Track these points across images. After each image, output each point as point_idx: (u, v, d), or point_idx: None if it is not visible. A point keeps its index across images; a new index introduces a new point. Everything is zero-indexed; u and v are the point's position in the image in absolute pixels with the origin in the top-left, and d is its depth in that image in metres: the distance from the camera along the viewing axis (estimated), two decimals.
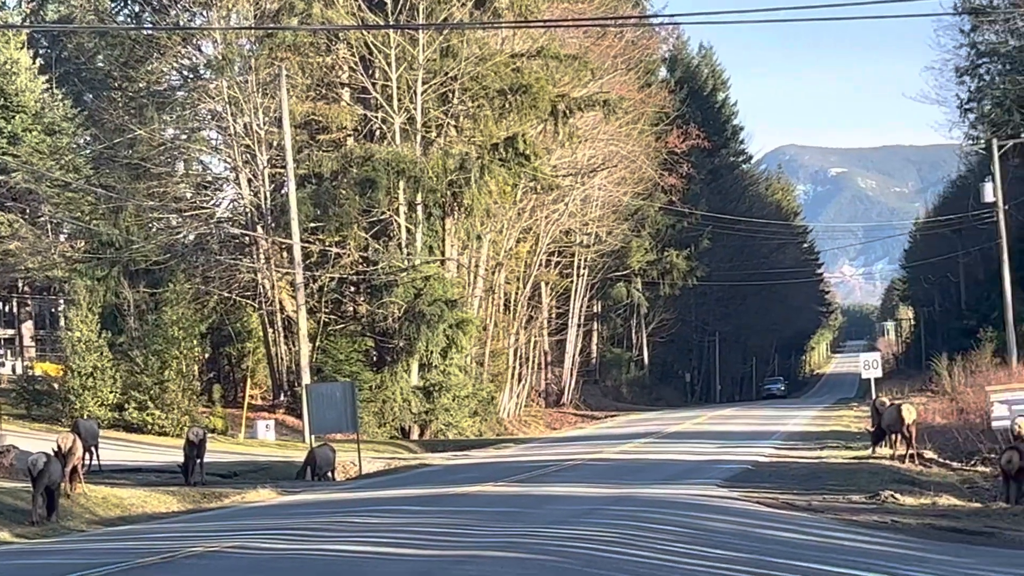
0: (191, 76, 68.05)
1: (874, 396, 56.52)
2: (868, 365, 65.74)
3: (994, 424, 39.74)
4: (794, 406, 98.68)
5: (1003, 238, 68.02)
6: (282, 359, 65.20)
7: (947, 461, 41.16)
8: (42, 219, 67.31)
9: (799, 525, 24.18)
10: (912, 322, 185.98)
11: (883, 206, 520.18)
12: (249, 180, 65.16)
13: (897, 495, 29.34)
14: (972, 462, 39.98)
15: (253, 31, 63.53)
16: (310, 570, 18.19)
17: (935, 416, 53.35)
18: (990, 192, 69.10)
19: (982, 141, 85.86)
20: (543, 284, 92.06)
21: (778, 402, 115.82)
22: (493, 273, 78.43)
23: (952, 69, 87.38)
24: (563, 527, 21.92)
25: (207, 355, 61.44)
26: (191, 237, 67.99)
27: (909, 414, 41.13)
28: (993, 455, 37.16)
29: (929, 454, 42.32)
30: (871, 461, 40.73)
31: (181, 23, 66.79)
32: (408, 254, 65.30)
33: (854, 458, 42.31)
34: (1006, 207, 69.65)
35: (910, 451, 40.63)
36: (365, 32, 63.71)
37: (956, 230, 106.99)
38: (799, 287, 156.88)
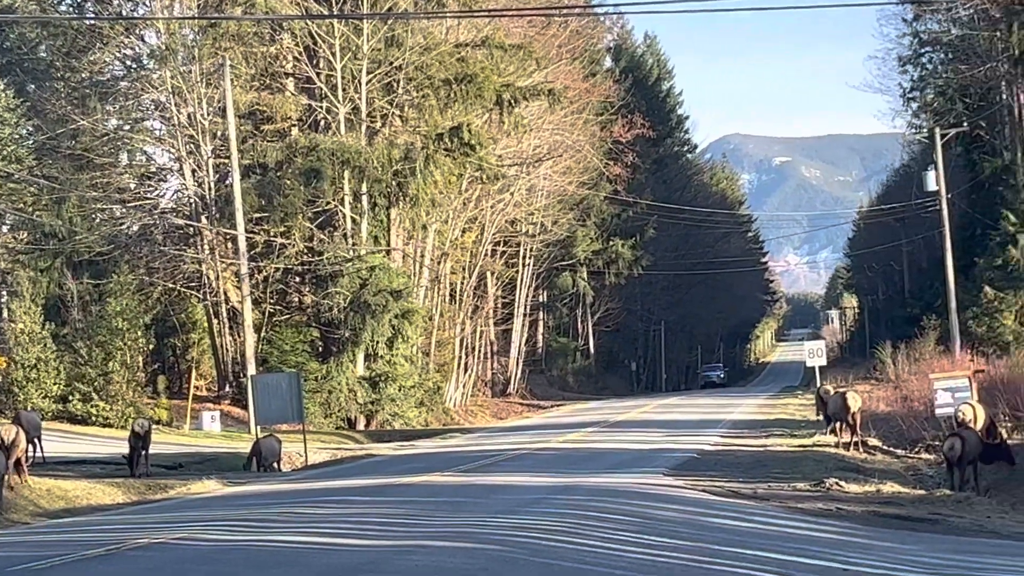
0: (134, 66, 67.69)
1: (819, 384, 56.81)
2: (813, 353, 65.98)
3: (938, 411, 39.93)
4: (740, 394, 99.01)
5: (946, 226, 68.26)
6: (227, 350, 64.98)
7: (891, 448, 41.44)
8: None
9: (744, 513, 24.28)
10: (856, 310, 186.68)
11: (827, 195, 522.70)
12: (193, 170, 64.90)
13: (842, 483, 29.52)
14: (916, 449, 40.27)
15: (197, 21, 63.22)
16: (255, 561, 18.13)
17: (879, 404, 53.59)
18: (933, 181, 69.25)
19: (925, 130, 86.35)
20: (489, 274, 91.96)
21: (722, 390, 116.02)
22: (439, 263, 78.35)
23: (895, 58, 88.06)
24: (510, 517, 21.94)
25: (152, 346, 61.01)
26: (135, 228, 67.65)
27: (854, 402, 41.39)
28: (937, 442, 37.43)
29: (873, 441, 42.59)
30: (816, 449, 40.96)
31: (124, 13, 66.37)
32: (353, 244, 65.18)
33: (799, 446, 42.54)
34: (949, 196, 69.90)
35: (855, 439, 40.88)
36: (309, 22, 63.53)
37: (899, 219, 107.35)
38: (744, 276, 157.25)
